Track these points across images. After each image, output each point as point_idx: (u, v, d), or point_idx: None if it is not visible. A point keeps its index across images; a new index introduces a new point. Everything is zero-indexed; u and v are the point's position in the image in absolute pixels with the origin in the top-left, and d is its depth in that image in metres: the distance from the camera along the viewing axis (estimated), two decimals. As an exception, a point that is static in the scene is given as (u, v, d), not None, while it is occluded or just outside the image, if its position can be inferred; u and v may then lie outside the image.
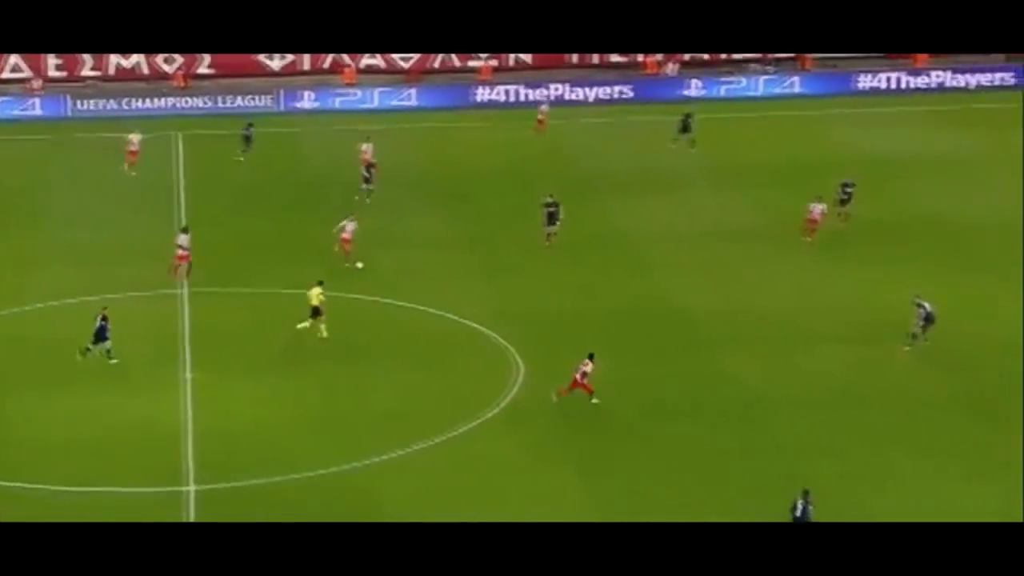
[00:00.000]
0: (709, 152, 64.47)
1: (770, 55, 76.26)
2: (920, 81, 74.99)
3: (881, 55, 72.75)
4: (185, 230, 50.32)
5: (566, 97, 74.00)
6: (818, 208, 52.46)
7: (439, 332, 46.15)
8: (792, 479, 36.58)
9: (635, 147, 66.00)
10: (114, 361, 42.93)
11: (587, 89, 74.41)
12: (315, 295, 45.14)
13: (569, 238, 52.65)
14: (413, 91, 74.25)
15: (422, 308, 47.64)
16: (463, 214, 57.03)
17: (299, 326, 44.89)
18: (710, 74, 75.82)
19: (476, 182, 60.72)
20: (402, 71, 76.96)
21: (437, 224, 56.21)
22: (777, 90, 75.00)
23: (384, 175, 59.15)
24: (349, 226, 50.90)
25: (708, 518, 34.79)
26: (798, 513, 34.09)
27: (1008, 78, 74.72)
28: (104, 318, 43.14)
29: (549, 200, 52.64)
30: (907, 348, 43.48)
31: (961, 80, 74.81)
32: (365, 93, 73.91)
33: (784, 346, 44.59)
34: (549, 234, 52.58)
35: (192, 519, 35.07)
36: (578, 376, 40.25)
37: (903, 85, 74.91)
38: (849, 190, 53.92)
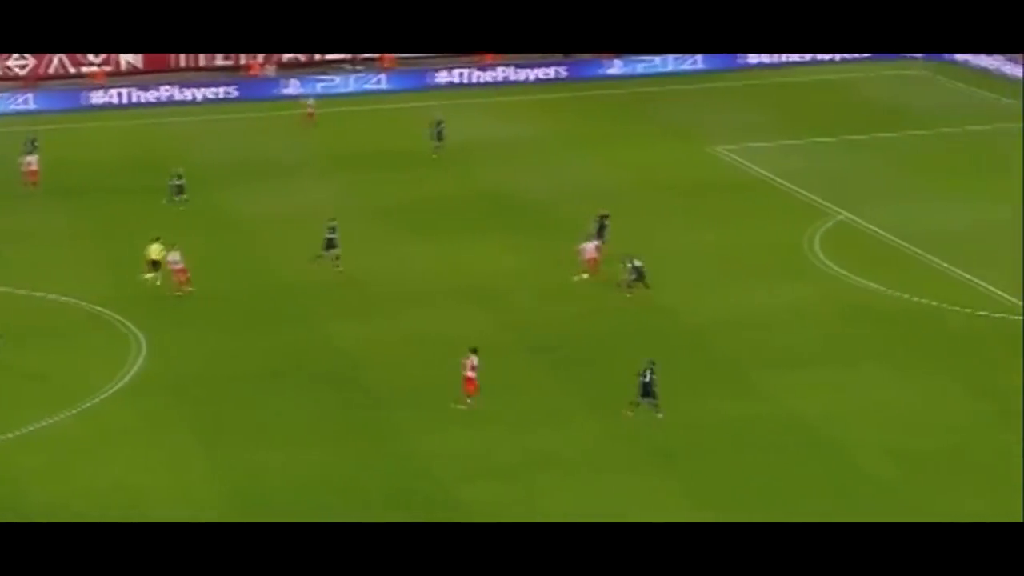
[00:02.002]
0: (309, 143, 65.00)
1: (358, 55, 77.17)
2: (488, 76, 77.16)
3: (455, 54, 74.78)
4: None
5: (176, 98, 72.76)
6: (591, 245, 47.64)
7: (63, 317, 44.97)
8: (385, 427, 37.75)
9: (243, 141, 65.72)
10: None
11: (195, 90, 73.36)
12: (155, 250, 45.79)
13: (186, 225, 52.09)
14: (30, 95, 71.41)
15: (45, 296, 46.29)
16: (83, 209, 55.55)
17: (145, 277, 45.93)
18: (306, 74, 75.99)
19: (94, 179, 59.08)
20: (17, 77, 73.89)
21: (59, 219, 54.67)
22: (366, 87, 75.85)
23: (4, 176, 57.10)
24: (173, 256, 46.25)
25: (311, 464, 35.59)
26: (646, 379, 36.15)
27: (561, 71, 77.88)
28: None
29: (331, 224, 48.68)
30: (628, 295, 45.05)
31: (521, 74, 77.52)
32: (-21, 98, 70.79)
33: (375, 311, 45.59)
34: (322, 257, 47.89)
35: None
36: (469, 373, 38.07)
37: (474, 79, 76.84)
38: (606, 222, 49.68)
